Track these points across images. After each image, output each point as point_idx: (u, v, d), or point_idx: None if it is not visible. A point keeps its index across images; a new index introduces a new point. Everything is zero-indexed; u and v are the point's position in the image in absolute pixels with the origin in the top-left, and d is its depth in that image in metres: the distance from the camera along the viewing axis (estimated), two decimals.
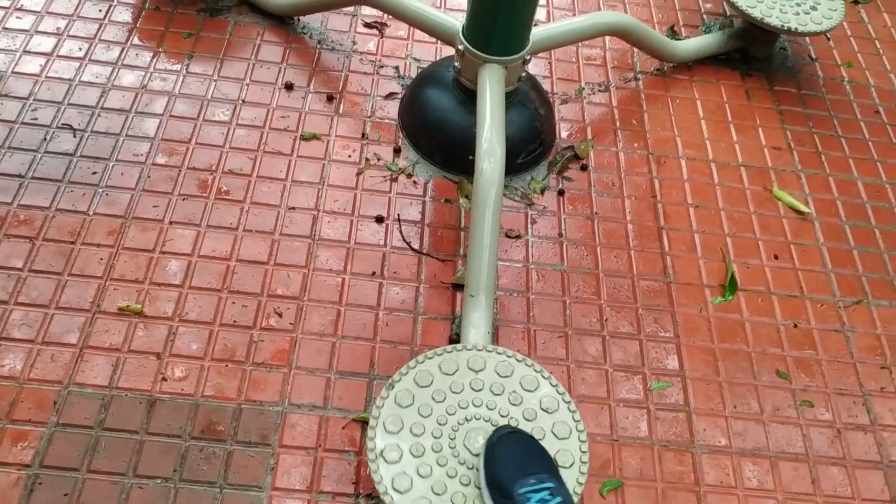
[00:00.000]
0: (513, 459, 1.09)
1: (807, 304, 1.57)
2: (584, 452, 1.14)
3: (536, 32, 1.63)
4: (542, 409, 1.18)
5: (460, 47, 1.57)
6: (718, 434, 1.36)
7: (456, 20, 1.61)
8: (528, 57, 1.59)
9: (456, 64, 1.63)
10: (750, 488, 1.31)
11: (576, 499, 1.10)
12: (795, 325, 1.53)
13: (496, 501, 1.07)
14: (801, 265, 1.63)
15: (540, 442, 1.12)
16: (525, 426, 1.15)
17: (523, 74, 1.62)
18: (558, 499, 1.03)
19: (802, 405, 1.42)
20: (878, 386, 1.47)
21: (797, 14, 1.91)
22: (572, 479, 1.11)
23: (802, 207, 1.73)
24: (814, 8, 1.93)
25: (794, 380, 1.45)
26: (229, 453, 1.23)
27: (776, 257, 1.63)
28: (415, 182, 1.64)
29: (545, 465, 1.09)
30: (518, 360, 1.23)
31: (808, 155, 1.84)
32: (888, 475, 1.36)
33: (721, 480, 1.31)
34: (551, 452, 1.13)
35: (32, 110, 1.62)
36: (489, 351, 1.25)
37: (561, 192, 1.67)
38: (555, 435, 1.15)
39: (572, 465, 1.12)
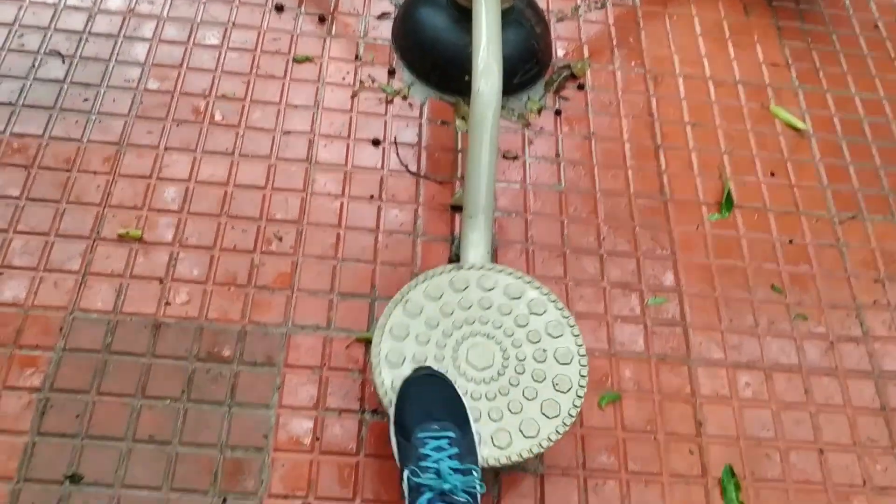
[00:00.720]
0: (422, 402, 1.09)
1: (802, 220, 1.58)
2: (583, 377, 1.16)
3: None
4: (547, 333, 1.19)
5: None
6: (714, 347, 1.39)
7: None
8: None
9: None
10: (745, 398, 1.34)
11: (570, 422, 1.13)
12: (791, 241, 1.55)
13: (397, 438, 1.08)
14: (798, 181, 1.64)
15: (457, 390, 1.11)
16: (528, 348, 1.17)
17: None
18: (455, 450, 1.02)
19: (797, 319, 1.45)
20: (870, 299, 1.49)
21: None
22: (568, 403, 1.13)
23: (799, 124, 1.72)
24: None
25: (789, 294, 1.48)
26: (236, 374, 1.25)
27: (773, 174, 1.64)
28: (410, 104, 1.62)
29: (453, 414, 1.08)
30: (527, 283, 1.25)
31: (806, 71, 1.82)
32: (879, 384, 1.39)
33: (717, 392, 1.35)
34: (551, 376, 1.15)
35: (19, 36, 1.59)
36: (499, 271, 1.26)
37: (558, 112, 1.66)
38: (556, 360, 1.17)
39: (569, 390, 1.15)
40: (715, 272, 1.48)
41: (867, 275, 1.52)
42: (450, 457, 1.02)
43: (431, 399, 1.09)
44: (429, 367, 1.13)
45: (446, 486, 0.98)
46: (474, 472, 1.02)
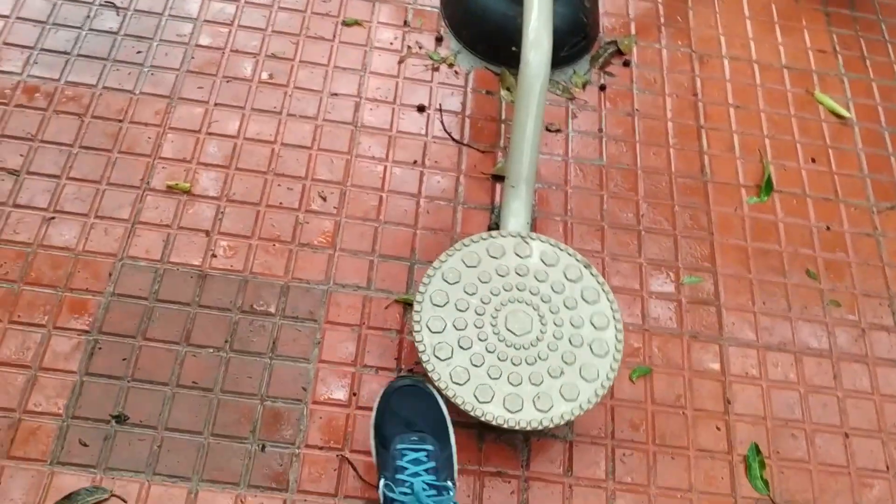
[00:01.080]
0: (403, 412, 1.11)
1: (840, 208, 1.58)
2: (619, 342, 1.19)
3: None
4: (583, 299, 1.21)
5: None
6: (746, 328, 1.41)
7: None
8: None
9: None
10: (774, 380, 1.36)
11: (608, 385, 1.15)
12: (828, 228, 1.55)
13: (376, 444, 1.10)
14: (838, 169, 1.64)
15: (441, 404, 1.12)
16: (565, 313, 1.20)
17: None
18: (432, 464, 1.03)
19: (830, 305, 1.46)
20: None
21: None
22: (605, 367, 1.16)
23: (843, 112, 1.72)
24: None
25: (824, 280, 1.49)
26: (278, 327, 1.29)
27: (813, 160, 1.64)
28: (456, 72, 1.64)
29: (433, 428, 1.10)
30: (561, 250, 1.26)
31: (852, 59, 1.81)
32: None
33: (746, 371, 1.36)
34: (588, 341, 1.17)
35: None
36: (534, 239, 1.28)
37: (602, 88, 1.67)
38: (593, 325, 1.19)
39: (607, 353, 1.17)
40: (751, 254, 1.49)
41: None
42: (426, 471, 1.03)
43: (413, 410, 1.12)
44: (412, 377, 1.16)
45: None
46: (450, 491, 1.03)
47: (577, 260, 1.24)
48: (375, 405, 1.14)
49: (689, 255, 1.47)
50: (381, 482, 1.05)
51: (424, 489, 1.01)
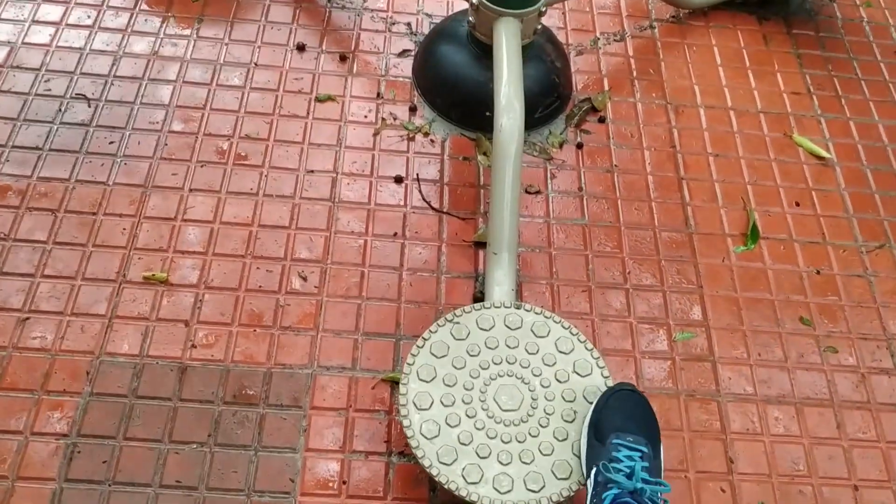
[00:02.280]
0: (623, 413, 1.11)
1: (829, 251, 1.56)
2: None
3: None
4: (575, 372, 1.18)
5: (475, 1, 1.55)
6: (744, 382, 1.37)
7: None
8: (543, 9, 1.56)
9: (470, 18, 1.60)
10: (776, 434, 1.32)
11: None
12: (818, 272, 1.53)
13: (590, 439, 1.10)
14: (823, 211, 1.62)
15: (653, 412, 1.14)
16: (556, 387, 1.17)
17: (539, 27, 1.60)
18: (645, 463, 1.04)
19: (826, 351, 1.43)
20: None
21: None
22: None
23: (823, 153, 1.71)
24: None
25: (818, 326, 1.46)
26: (262, 416, 1.25)
27: (797, 204, 1.63)
28: (432, 140, 1.63)
29: (650, 433, 1.11)
30: (555, 322, 1.24)
31: (828, 99, 1.81)
32: None
33: (747, 427, 1.32)
34: (581, 415, 1.14)
35: (45, 81, 1.61)
36: (527, 310, 1.25)
37: (579, 146, 1.66)
38: (585, 398, 1.16)
39: None
40: (742, 305, 1.47)
41: None
42: (642, 468, 1.04)
43: (631, 413, 1.12)
44: (632, 385, 1.15)
45: (637, 486, 1.00)
46: (663, 487, 1.04)
47: (570, 331, 1.22)
48: (592, 405, 1.14)
49: (680, 310, 1.45)
50: (594, 470, 1.05)
51: (643, 473, 1.02)
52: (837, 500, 1.27)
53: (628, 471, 1.03)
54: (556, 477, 1.09)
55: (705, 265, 1.51)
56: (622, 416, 1.11)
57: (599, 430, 1.10)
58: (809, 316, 1.47)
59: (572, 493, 1.10)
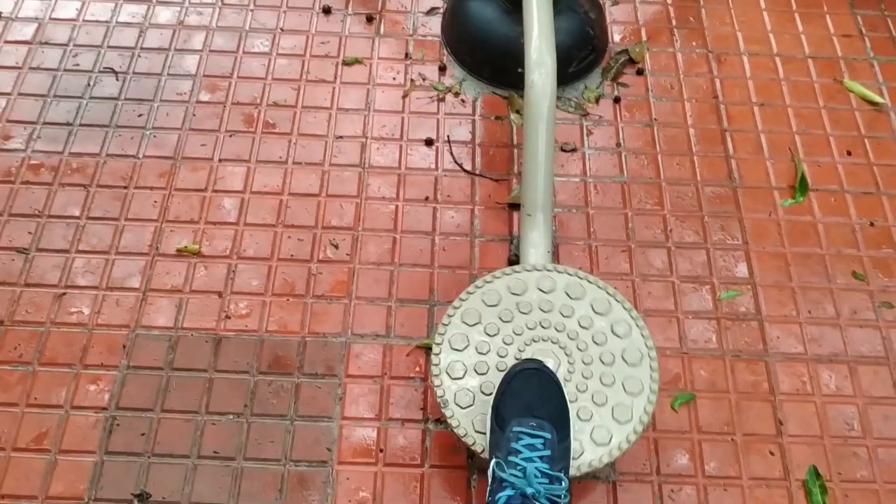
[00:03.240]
0: (526, 396, 1.04)
1: (883, 201, 1.48)
2: (654, 380, 1.11)
3: None
4: (614, 334, 1.14)
5: None
6: (793, 341, 1.32)
7: None
8: None
9: None
10: (828, 394, 1.27)
11: (642, 427, 1.08)
12: (872, 224, 1.45)
13: (492, 425, 1.04)
14: (877, 160, 1.54)
15: (564, 393, 1.06)
16: (594, 350, 1.13)
17: None
18: (547, 451, 0.98)
19: (881, 306, 1.36)
20: None
21: None
22: (640, 407, 1.08)
23: (876, 98, 1.62)
24: None
25: (872, 280, 1.39)
26: (297, 386, 1.24)
27: (849, 153, 1.54)
28: (463, 100, 1.59)
29: (554, 417, 1.03)
30: (590, 282, 1.20)
31: (881, 41, 1.71)
32: None
33: (797, 388, 1.27)
34: (620, 379, 1.10)
35: (73, 56, 1.60)
36: (560, 272, 1.21)
37: (617, 100, 1.60)
38: (625, 361, 1.12)
39: (641, 392, 1.10)
40: (791, 261, 1.40)
41: None
42: (541, 458, 0.98)
43: (534, 395, 1.04)
44: (539, 362, 1.07)
45: (529, 490, 0.95)
46: (562, 482, 0.98)
47: (606, 291, 1.17)
48: (496, 386, 1.07)
49: (724, 268, 1.39)
50: (493, 462, 1.00)
51: (536, 476, 0.96)
52: (894, 461, 1.21)
53: (524, 468, 0.96)
54: (595, 443, 1.06)
55: (751, 220, 1.45)
56: (525, 398, 1.03)
57: (500, 416, 1.03)
58: (863, 270, 1.40)
59: (612, 460, 1.07)
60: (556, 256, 1.39)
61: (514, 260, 1.38)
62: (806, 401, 1.26)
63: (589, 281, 1.18)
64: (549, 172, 1.35)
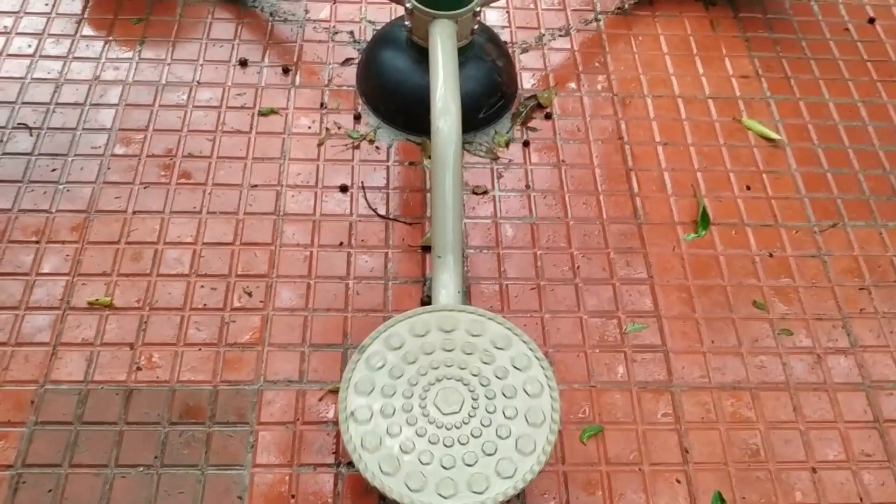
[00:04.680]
0: None
1: (781, 232, 1.55)
2: (555, 408, 1.14)
3: None
4: (514, 367, 1.17)
5: (408, 5, 1.54)
6: (697, 371, 1.36)
7: None
8: (478, 9, 1.56)
9: (406, 23, 1.60)
10: (731, 421, 1.31)
11: (546, 457, 1.10)
12: (771, 255, 1.52)
13: None
14: (775, 193, 1.61)
15: None
16: (496, 384, 1.15)
17: (476, 27, 1.59)
18: None
19: (781, 334, 1.42)
20: (857, 308, 1.46)
21: None
22: (542, 437, 1.11)
23: (773, 135, 1.70)
24: None
25: (772, 309, 1.44)
26: (209, 435, 1.24)
27: (748, 188, 1.61)
28: (377, 147, 1.62)
29: None
30: (489, 319, 1.22)
31: (777, 80, 1.81)
32: (870, 395, 1.35)
33: (702, 416, 1.31)
34: (523, 411, 1.13)
35: None
36: (460, 311, 1.24)
37: (526, 144, 1.65)
38: (526, 393, 1.15)
39: (543, 422, 1.12)
40: (694, 293, 1.45)
41: (852, 283, 1.49)
42: None
43: None
44: None
45: None
46: None
47: (504, 326, 1.20)
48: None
49: (630, 302, 1.43)
50: None
51: None
52: (795, 483, 1.25)
53: None
54: (500, 476, 1.08)
55: (655, 255, 1.50)
56: None
57: None
58: (763, 300, 1.46)
59: (518, 492, 1.09)
60: (467, 296, 1.42)
61: (426, 301, 1.41)
62: (710, 428, 1.30)
63: (489, 318, 1.21)
64: (457, 215, 1.38)
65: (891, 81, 1.83)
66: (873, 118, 1.75)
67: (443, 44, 1.50)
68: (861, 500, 1.24)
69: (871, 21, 1.95)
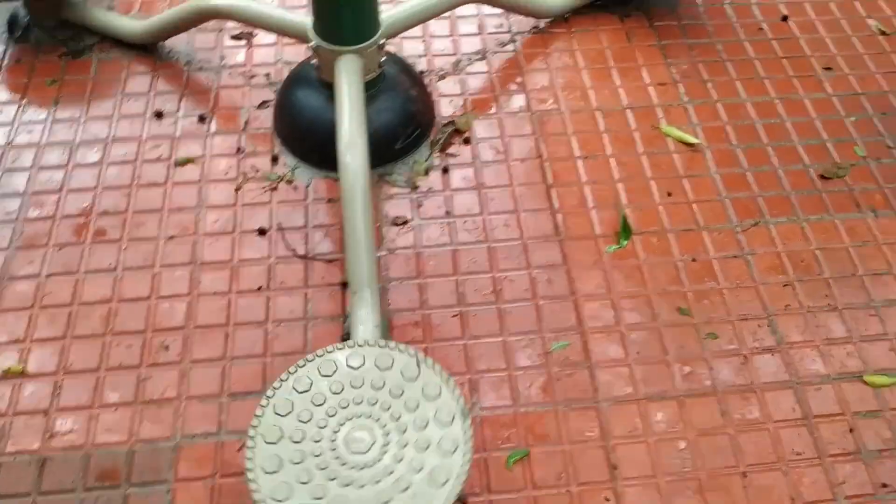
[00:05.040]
0: None
1: (703, 236, 1.55)
2: (468, 438, 1.12)
3: (389, 14, 1.60)
4: (424, 397, 1.15)
5: (312, 43, 1.54)
6: (622, 384, 1.35)
7: (306, 16, 1.58)
8: (383, 41, 1.56)
9: (314, 61, 1.60)
10: (659, 432, 1.29)
11: (460, 485, 1.08)
12: (694, 259, 1.51)
13: None
14: (696, 197, 1.61)
15: None
16: (407, 417, 1.13)
17: (383, 59, 1.60)
18: None
19: (707, 338, 1.40)
20: (782, 305, 1.45)
21: None
22: (456, 465, 1.08)
23: (691, 139, 1.70)
24: None
25: (697, 314, 1.43)
26: (125, 497, 1.21)
27: (669, 194, 1.61)
28: (295, 187, 1.61)
29: None
30: (400, 351, 1.21)
31: (693, 85, 1.81)
32: (798, 392, 1.34)
33: (629, 430, 1.29)
34: (435, 441, 1.11)
35: None
36: (370, 345, 1.22)
37: (445, 170, 1.65)
38: (438, 422, 1.13)
39: (456, 450, 1.10)
40: (618, 304, 1.44)
41: (776, 280, 1.48)
42: None
43: None
44: None
45: None
46: None
47: (408, 353, 1.19)
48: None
49: (554, 320, 1.42)
50: None
51: None
52: (726, 488, 1.24)
53: None
54: None
55: (578, 270, 1.49)
56: None
57: None
58: (687, 305, 1.45)
59: None
60: (389, 329, 1.41)
61: (346, 337, 1.39)
62: (638, 442, 1.28)
63: (399, 350, 1.19)
64: (369, 249, 1.37)
65: (806, 76, 1.84)
66: (791, 114, 1.76)
67: (347, 79, 1.51)
68: (793, 500, 1.22)
69: (785, 18, 1.97)
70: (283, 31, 1.64)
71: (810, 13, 1.98)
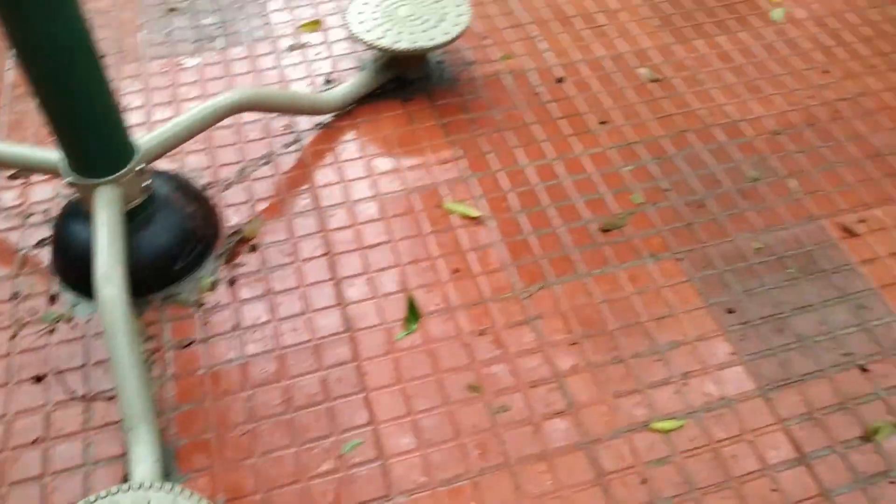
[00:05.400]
0: None
1: (491, 307, 1.56)
2: None
3: (148, 139, 1.59)
4: None
5: (67, 180, 1.51)
6: (416, 474, 1.33)
7: (57, 151, 1.55)
8: (142, 167, 1.54)
9: (76, 195, 1.56)
10: None
11: None
12: (482, 333, 1.52)
13: None
14: (481, 269, 1.63)
15: None
16: None
17: (147, 183, 1.57)
18: None
19: (499, 412, 1.41)
20: (569, 365, 1.47)
21: (424, 31, 1.94)
22: None
23: (474, 212, 1.74)
24: (441, 20, 1.97)
25: (486, 388, 1.44)
26: None
27: (456, 271, 1.63)
28: (74, 325, 1.56)
29: None
30: (157, 489, 1.16)
31: (475, 158, 1.86)
32: (589, 452, 1.35)
33: None
34: None
35: None
36: (125, 491, 1.17)
37: (232, 282, 1.62)
38: None
39: None
40: (409, 392, 1.44)
41: (563, 340, 1.51)
42: None
43: None
44: None
45: None
46: None
47: (164, 489, 1.14)
48: None
49: (346, 420, 1.40)
50: None
51: None
52: None
53: None
54: None
55: (368, 364, 1.48)
56: None
57: None
58: (477, 380, 1.45)
59: None
60: (176, 460, 1.35)
61: (127, 478, 1.33)
62: None
63: (156, 488, 1.15)
64: (140, 381, 1.33)
65: (582, 133, 1.91)
66: (569, 172, 1.82)
67: (106, 210, 1.48)
68: None
69: (560, 80, 2.06)
70: (34, 168, 1.61)
71: (584, 71, 2.08)
